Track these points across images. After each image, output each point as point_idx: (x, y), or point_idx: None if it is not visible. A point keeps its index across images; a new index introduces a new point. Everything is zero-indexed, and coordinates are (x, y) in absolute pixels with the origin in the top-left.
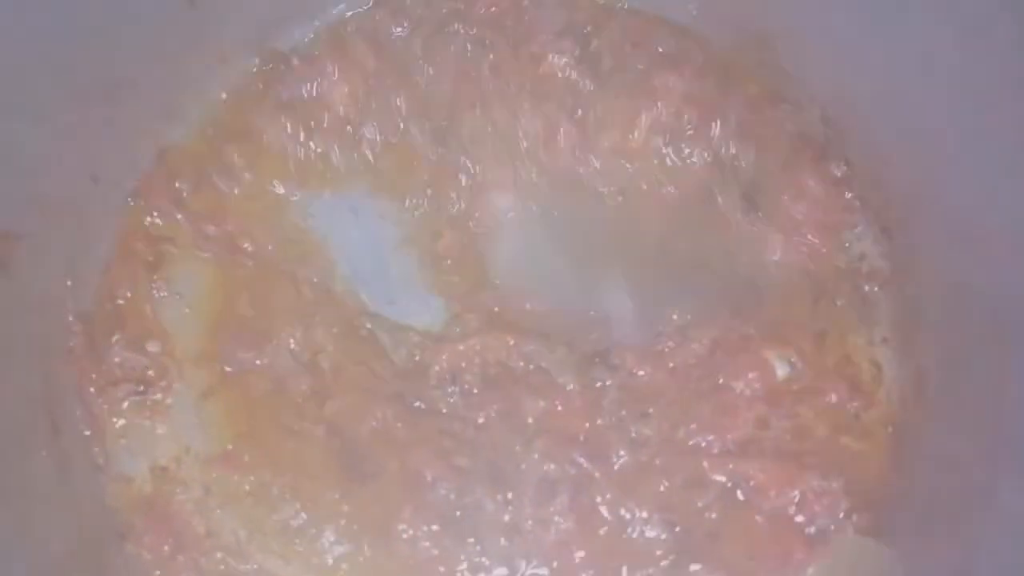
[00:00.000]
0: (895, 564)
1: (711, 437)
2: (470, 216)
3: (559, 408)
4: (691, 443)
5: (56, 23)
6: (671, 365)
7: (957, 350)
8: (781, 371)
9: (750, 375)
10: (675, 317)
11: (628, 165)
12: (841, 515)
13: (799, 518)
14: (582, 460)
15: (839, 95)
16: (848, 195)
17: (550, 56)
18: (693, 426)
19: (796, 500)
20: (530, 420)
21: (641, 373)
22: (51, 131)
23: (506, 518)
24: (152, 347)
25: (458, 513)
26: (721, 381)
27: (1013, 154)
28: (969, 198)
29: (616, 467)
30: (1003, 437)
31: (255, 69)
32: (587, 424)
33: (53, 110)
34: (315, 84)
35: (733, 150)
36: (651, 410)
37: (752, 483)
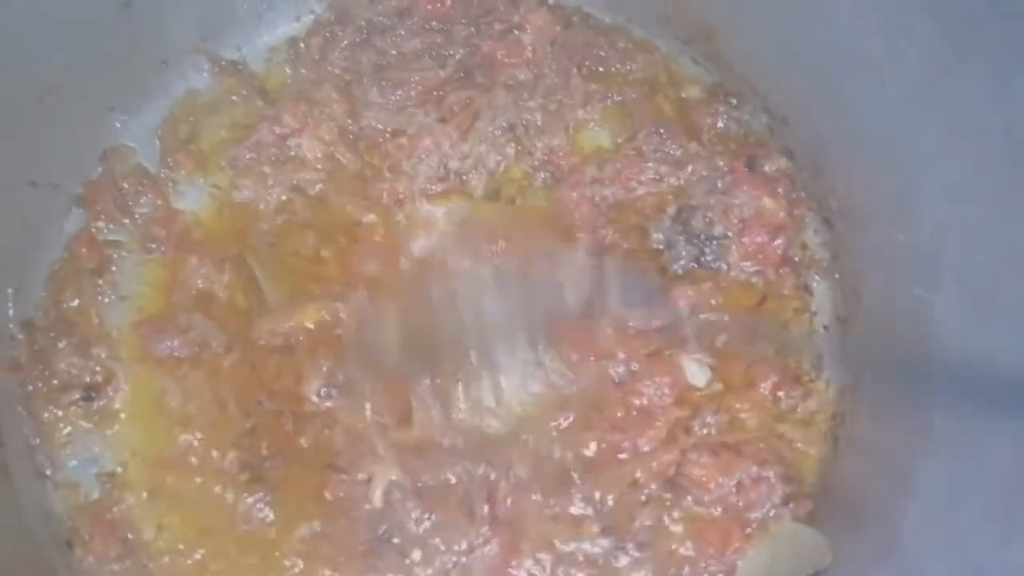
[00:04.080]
0: (826, 551)
1: (624, 442)
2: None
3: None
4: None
5: None
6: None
7: (889, 338)
8: (700, 377)
9: (662, 380)
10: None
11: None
12: (778, 502)
13: (737, 504)
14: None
15: (778, 85)
16: (792, 188)
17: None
18: (605, 432)
19: (734, 489)
20: None
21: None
22: None
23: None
24: (99, 352)
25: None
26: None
27: (943, 136)
28: (904, 182)
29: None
30: (926, 426)
31: (205, 74)
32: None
33: None
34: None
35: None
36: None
37: (689, 478)
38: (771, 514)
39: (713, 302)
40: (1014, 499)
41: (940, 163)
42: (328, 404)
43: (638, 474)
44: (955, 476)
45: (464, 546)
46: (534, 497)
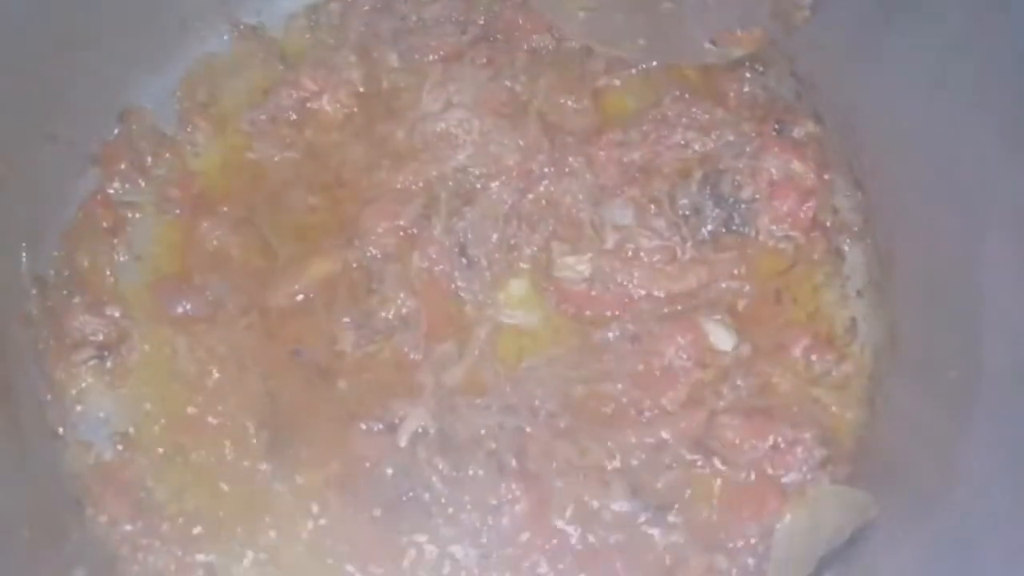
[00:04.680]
0: (870, 505)
1: (645, 399)
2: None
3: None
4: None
5: None
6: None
7: (929, 300)
8: (726, 341)
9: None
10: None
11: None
12: (815, 465)
13: (772, 470)
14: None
15: (808, 47)
16: (821, 152)
17: None
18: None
19: (768, 452)
20: None
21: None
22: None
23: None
24: (112, 311)
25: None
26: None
27: (978, 91)
28: (936, 139)
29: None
30: (968, 389)
31: (225, 37)
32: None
33: (3, 64)
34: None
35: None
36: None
37: (720, 441)
38: (808, 478)
39: (736, 271)
40: None
41: (980, 116)
42: (367, 349)
43: (664, 434)
44: (999, 446)
45: (494, 503)
46: (563, 451)
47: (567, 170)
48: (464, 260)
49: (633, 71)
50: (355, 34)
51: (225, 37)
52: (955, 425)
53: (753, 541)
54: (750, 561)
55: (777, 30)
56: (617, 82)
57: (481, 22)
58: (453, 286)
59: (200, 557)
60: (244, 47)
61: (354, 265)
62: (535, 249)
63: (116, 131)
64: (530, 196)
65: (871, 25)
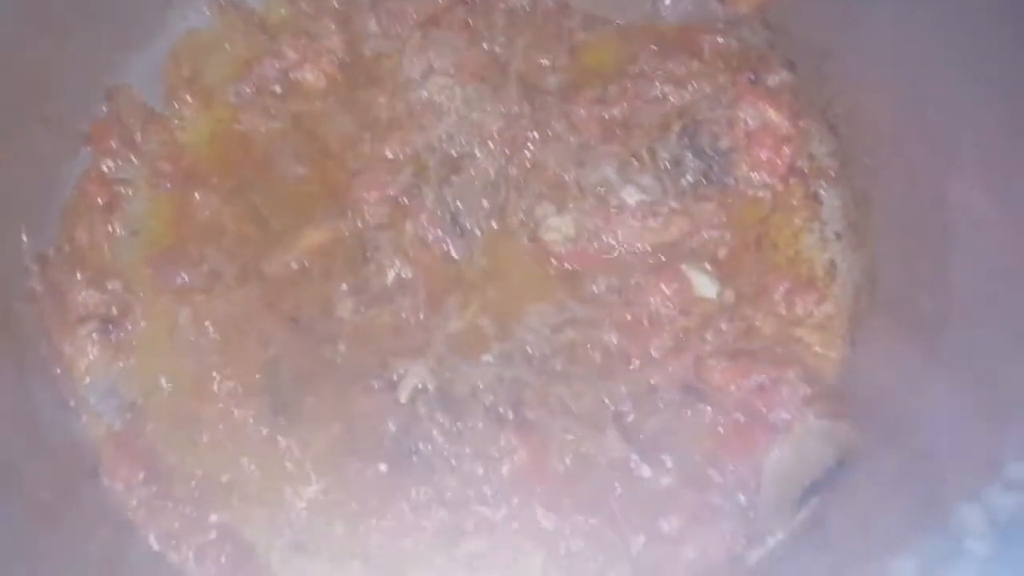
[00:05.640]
0: (854, 435)
1: (633, 347)
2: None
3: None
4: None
5: None
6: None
7: (904, 239)
8: (710, 288)
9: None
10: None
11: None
12: (801, 403)
13: (759, 408)
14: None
15: None
16: (795, 100)
17: None
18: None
19: (754, 391)
20: None
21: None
22: None
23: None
24: (114, 285)
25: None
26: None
27: (945, 35)
28: (907, 83)
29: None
30: (940, 319)
31: (206, 12)
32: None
33: None
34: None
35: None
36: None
37: (708, 383)
38: (794, 414)
39: (717, 220)
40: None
41: (947, 59)
42: (366, 315)
43: (653, 380)
44: (965, 373)
45: (494, 454)
46: (559, 394)
47: (550, 133)
48: (457, 228)
49: (609, 27)
50: (334, 2)
51: (207, 12)
52: (927, 355)
53: (744, 478)
54: (742, 497)
55: None
56: (594, 38)
57: None
58: (447, 251)
59: (213, 518)
60: (226, 21)
61: (347, 234)
62: (523, 214)
63: (104, 109)
64: (515, 161)
65: None
